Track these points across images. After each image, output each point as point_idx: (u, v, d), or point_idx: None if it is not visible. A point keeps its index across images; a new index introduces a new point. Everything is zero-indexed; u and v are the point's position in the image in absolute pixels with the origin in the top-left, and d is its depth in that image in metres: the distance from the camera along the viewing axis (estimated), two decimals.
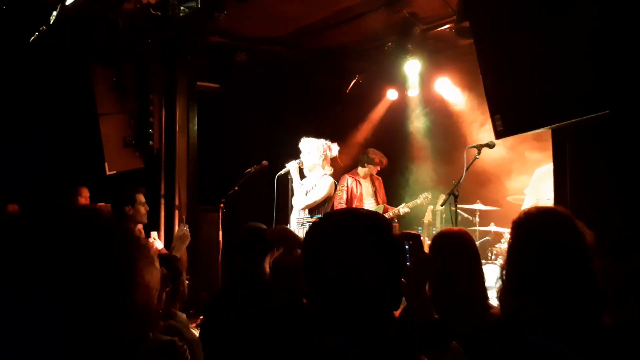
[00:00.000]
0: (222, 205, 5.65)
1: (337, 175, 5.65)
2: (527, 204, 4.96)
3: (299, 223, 5.19)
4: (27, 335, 0.74)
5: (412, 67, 6.50)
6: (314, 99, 7.59)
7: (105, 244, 0.81)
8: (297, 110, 7.45)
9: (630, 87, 2.42)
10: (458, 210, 4.73)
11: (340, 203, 6.25)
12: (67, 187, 5.62)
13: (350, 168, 6.76)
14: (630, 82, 2.41)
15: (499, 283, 1.79)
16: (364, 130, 7.78)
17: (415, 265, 1.45)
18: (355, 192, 6.50)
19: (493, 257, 5.37)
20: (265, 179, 5.77)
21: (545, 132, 3.20)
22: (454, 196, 4.56)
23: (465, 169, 4.56)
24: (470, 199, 5.89)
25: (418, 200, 6.16)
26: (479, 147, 4.57)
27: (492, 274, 4.77)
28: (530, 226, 1.75)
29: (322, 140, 5.23)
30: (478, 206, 5.86)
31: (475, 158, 4.58)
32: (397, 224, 6.22)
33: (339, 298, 1.24)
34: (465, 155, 4.66)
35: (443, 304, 2.07)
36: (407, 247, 1.46)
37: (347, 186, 6.48)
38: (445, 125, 7.08)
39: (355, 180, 6.56)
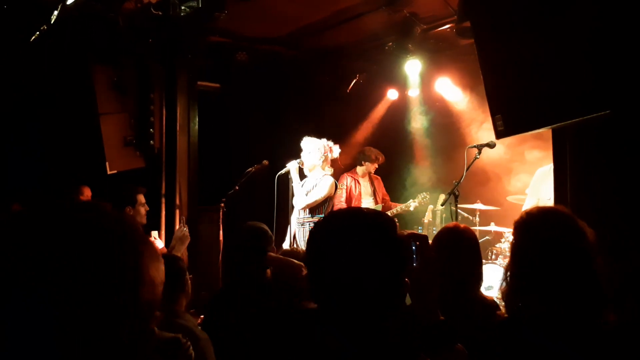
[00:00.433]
0: (222, 204, 5.65)
1: (336, 175, 5.65)
2: (528, 204, 4.96)
3: (299, 223, 5.19)
4: (28, 336, 0.74)
5: (412, 67, 6.51)
6: (315, 98, 7.59)
7: (109, 241, 0.80)
8: (297, 110, 7.45)
9: (630, 87, 2.42)
10: (458, 210, 4.73)
11: (340, 202, 6.25)
12: (68, 186, 5.62)
13: (351, 168, 6.76)
14: (630, 81, 2.41)
15: (502, 284, 1.79)
16: (364, 130, 7.79)
17: (422, 266, 1.45)
18: (354, 192, 6.51)
19: (493, 256, 5.37)
20: (266, 179, 5.77)
21: (545, 132, 3.20)
22: (455, 196, 4.56)
23: (465, 168, 4.56)
24: (470, 198, 5.89)
25: (416, 201, 6.18)
26: (480, 147, 4.57)
27: (492, 274, 4.77)
28: (532, 226, 1.75)
29: (323, 141, 5.22)
30: (478, 206, 5.86)
31: (476, 158, 4.58)
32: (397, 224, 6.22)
33: (339, 298, 1.24)
34: (465, 155, 4.66)
35: (447, 302, 2.07)
36: (414, 247, 1.46)
37: (347, 185, 6.49)
38: (445, 125, 7.08)
39: (354, 179, 6.57)
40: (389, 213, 6.07)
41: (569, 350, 1.54)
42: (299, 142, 5.26)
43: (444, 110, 7.11)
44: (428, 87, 7.02)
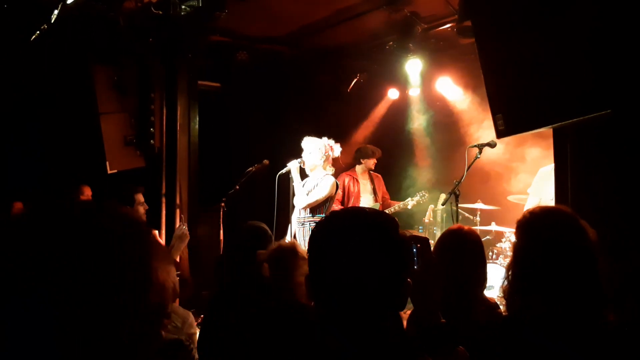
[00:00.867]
0: (223, 204, 5.65)
1: (336, 175, 5.65)
2: (530, 204, 4.95)
3: (299, 222, 5.18)
4: (28, 336, 0.73)
5: (413, 66, 6.50)
6: (315, 98, 7.59)
7: (112, 242, 0.80)
8: (298, 109, 7.45)
9: (631, 87, 2.41)
10: (459, 210, 4.73)
11: (337, 200, 6.26)
12: (68, 186, 5.62)
13: (352, 167, 6.76)
14: (631, 81, 2.41)
15: (504, 283, 1.79)
16: (365, 130, 7.79)
17: (423, 268, 1.45)
18: (352, 190, 6.51)
19: (494, 256, 5.37)
20: (266, 178, 5.77)
21: (547, 131, 3.20)
22: (455, 195, 4.56)
23: (466, 168, 4.56)
24: (471, 198, 5.89)
25: (414, 200, 6.18)
26: (480, 147, 4.57)
27: (493, 274, 4.76)
28: (535, 226, 1.76)
29: (325, 140, 5.21)
30: (479, 205, 5.86)
31: (477, 157, 4.58)
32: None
33: (339, 297, 1.24)
34: (466, 155, 4.65)
35: (450, 305, 2.07)
36: (414, 250, 1.46)
37: (344, 185, 6.49)
38: (446, 124, 7.08)
39: (353, 178, 6.57)
40: (387, 211, 6.06)
41: (569, 351, 1.54)
42: (300, 141, 5.25)
43: (444, 110, 7.11)
44: (429, 87, 7.01)
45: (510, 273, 1.76)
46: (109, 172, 5.80)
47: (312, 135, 5.25)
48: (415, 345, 1.39)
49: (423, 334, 1.45)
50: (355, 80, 7.42)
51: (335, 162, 5.37)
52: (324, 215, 5.04)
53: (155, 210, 5.86)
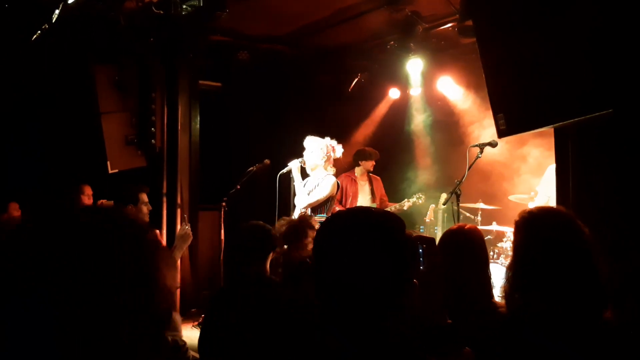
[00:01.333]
0: (224, 204, 5.65)
1: (337, 176, 5.65)
2: (539, 203, 4.92)
3: None
4: (28, 336, 0.73)
5: (414, 65, 6.50)
6: (316, 97, 7.59)
7: (113, 243, 0.80)
8: (299, 109, 7.45)
9: (632, 87, 2.41)
10: (460, 209, 4.72)
11: (336, 201, 6.26)
12: (69, 185, 5.62)
13: (353, 167, 6.77)
14: (632, 81, 2.40)
15: (504, 282, 1.79)
16: (366, 130, 7.78)
17: (429, 268, 1.45)
18: (349, 191, 6.51)
19: (495, 256, 5.37)
20: (267, 178, 5.77)
21: (548, 130, 3.20)
22: (457, 195, 4.55)
23: (467, 167, 4.55)
24: (472, 197, 5.89)
25: (410, 201, 6.19)
26: (482, 146, 4.56)
27: (494, 273, 4.75)
28: (533, 225, 1.77)
29: (326, 140, 5.20)
30: (480, 205, 5.85)
31: (478, 157, 4.57)
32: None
33: (339, 297, 1.24)
34: (467, 154, 4.65)
35: (453, 305, 2.07)
36: (420, 250, 1.45)
37: (342, 185, 6.49)
38: (447, 124, 7.07)
39: (351, 179, 6.58)
40: None
41: (569, 350, 1.54)
42: (300, 141, 5.24)
43: (445, 109, 7.10)
44: (430, 86, 7.01)
45: (510, 272, 1.77)
46: (110, 171, 5.81)
47: (313, 135, 5.24)
48: (415, 345, 1.39)
49: (428, 334, 1.45)
50: (356, 80, 7.42)
51: (337, 162, 5.37)
52: (324, 215, 5.03)
53: (157, 209, 5.86)
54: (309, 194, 5.09)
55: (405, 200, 6.27)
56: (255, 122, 7.42)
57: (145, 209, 4.02)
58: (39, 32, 4.81)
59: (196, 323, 5.38)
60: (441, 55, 6.66)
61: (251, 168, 5.59)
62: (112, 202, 4.35)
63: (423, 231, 6.47)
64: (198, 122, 6.36)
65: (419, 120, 7.39)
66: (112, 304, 0.77)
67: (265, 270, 2.68)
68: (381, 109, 7.75)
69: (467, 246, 2.30)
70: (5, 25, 4.90)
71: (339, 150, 5.27)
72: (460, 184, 4.54)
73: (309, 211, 5.12)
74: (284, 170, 5.24)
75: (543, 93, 2.79)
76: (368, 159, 6.59)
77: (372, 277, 1.23)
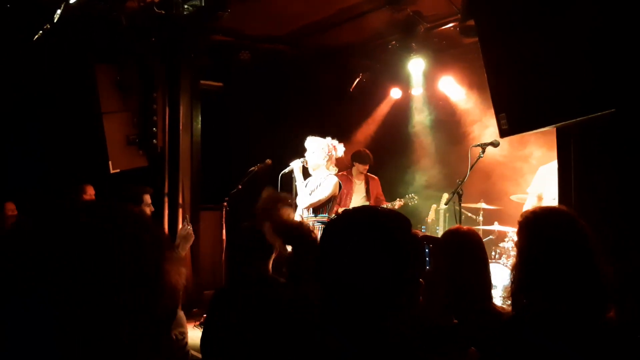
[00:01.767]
0: (225, 203, 5.65)
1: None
2: (530, 203, 4.93)
3: None
4: (28, 336, 0.73)
5: (416, 65, 6.50)
6: (318, 97, 7.58)
7: (121, 243, 0.80)
8: (300, 108, 7.44)
9: (634, 86, 2.41)
10: (462, 209, 4.72)
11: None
12: (71, 185, 5.63)
13: (350, 166, 6.77)
14: (633, 81, 2.40)
15: (509, 283, 1.80)
16: (368, 129, 7.78)
17: (434, 268, 1.45)
18: (343, 189, 6.52)
19: (497, 256, 5.36)
20: (269, 178, 5.76)
21: (550, 130, 3.19)
22: (458, 195, 4.54)
23: (469, 167, 4.54)
24: (474, 197, 5.88)
25: (402, 201, 6.19)
26: (483, 146, 4.55)
27: (495, 273, 4.76)
28: (536, 225, 1.77)
29: (328, 140, 5.19)
30: (482, 205, 5.85)
31: (480, 157, 4.56)
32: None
33: (339, 297, 1.23)
34: (469, 154, 4.64)
35: (453, 305, 2.07)
36: (427, 250, 1.45)
37: None
38: (449, 123, 7.07)
39: (347, 177, 6.57)
40: None
41: (570, 350, 1.54)
42: (302, 141, 5.24)
43: (447, 109, 7.10)
44: (431, 86, 7.01)
45: (514, 272, 1.78)
46: (112, 171, 5.82)
47: (314, 135, 5.24)
48: (415, 345, 1.38)
49: (432, 334, 1.44)
50: (357, 79, 7.42)
51: (338, 162, 5.36)
52: (326, 215, 5.03)
53: (158, 209, 5.86)
54: (310, 194, 5.08)
55: (397, 199, 6.28)
56: (257, 121, 7.42)
57: (148, 211, 4.03)
58: (41, 32, 4.82)
59: (198, 323, 5.38)
60: (443, 55, 6.66)
61: (253, 168, 5.58)
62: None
63: (425, 231, 6.47)
64: (199, 122, 6.37)
65: (420, 120, 7.39)
66: (112, 304, 0.77)
67: (267, 270, 2.68)
68: (383, 109, 7.75)
69: (467, 247, 2.29)
70: (7, 25, 4.90)
71: (340, 149, 5.26)
72: (462, 184, 4.53)
73: (311, 211, 5.12)
74: (286, 170, 5.23)
75: (545, 93, 2.78)
76: (362, 162, 6.57)
77: (372, 277, 1.22)
